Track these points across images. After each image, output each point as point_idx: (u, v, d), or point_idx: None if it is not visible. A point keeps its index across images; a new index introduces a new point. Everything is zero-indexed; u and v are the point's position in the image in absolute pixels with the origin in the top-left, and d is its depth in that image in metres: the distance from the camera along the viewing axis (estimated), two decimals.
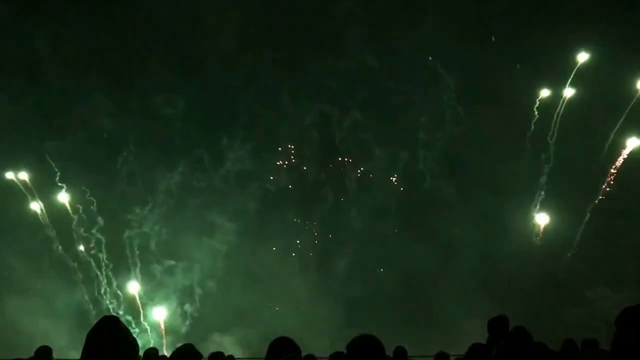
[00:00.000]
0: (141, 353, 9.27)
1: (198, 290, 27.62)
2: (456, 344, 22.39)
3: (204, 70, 28.61)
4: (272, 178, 28.95)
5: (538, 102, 27.03)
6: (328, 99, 28.76)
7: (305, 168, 29.22)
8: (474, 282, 26.22)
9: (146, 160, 27.79)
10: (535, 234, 26.85)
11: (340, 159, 29.15)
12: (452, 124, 28.00)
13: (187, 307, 27.46)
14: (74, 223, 26.95)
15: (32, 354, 9.05)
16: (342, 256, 28.03)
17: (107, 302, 26.92)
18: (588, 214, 25.90)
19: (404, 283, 26.88)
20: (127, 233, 27.34)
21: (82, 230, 26.98)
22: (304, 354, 5.45)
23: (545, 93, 27.01)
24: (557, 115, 26.68)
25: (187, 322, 27.41)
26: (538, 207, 27.07)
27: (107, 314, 26.13)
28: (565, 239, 26.44)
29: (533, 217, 27.13)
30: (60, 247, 26.59)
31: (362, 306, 26.72)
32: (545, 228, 26.71)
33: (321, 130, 29.04)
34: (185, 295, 27.61)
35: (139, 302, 27.03)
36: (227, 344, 25.82)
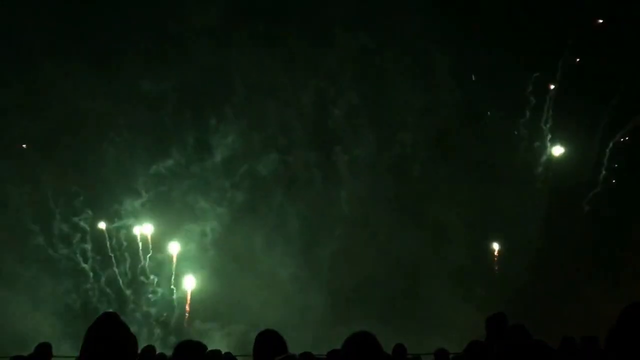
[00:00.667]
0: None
1: (188, 278, 27.46)
2: (447, 333, 22.48)
3: (191, 49, 28.03)
4: (260, 161, 28.43)
5: (532, 87, 26.61)
6: (320, 80, 28.37)
7: (294, 151, 28.74)
8: (467, 273, 26.09)
9: (132, 144, 27.36)
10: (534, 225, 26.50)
11: (331, 142, 28.65)
12: (445, 108, 27.65)
13: (177, 294, 27.22)
14: (57, 214, 26.52)
15: (17, 348, 8.97)
16: (331, 243, 27.72)
17: (94, 296, 26.57)
18: (586, 207, 25.59)
19: (394, 271, 26.72)
20: (116, 223, 27.07)
21: (65, 224, 26.58)
22: (299, 350, 5.40)
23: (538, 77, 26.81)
24: (550, 100, 26.24)
25: (176, 312, 27.16)
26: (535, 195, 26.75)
27: (92, 306, 25.93)
28: (562, 233, 26.17)
29: (529, 207, 26.77)
30: (43, 239, 26.15)
31: (350, 295, 26.63)
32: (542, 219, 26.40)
33: (313, 112, 28.68)
34: (175, 283, 27.46)
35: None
36: (211, 332, 25.79)
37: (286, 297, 26.30)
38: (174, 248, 27.19)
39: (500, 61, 25.66)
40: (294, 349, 5.14)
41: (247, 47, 27.80)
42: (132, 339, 3.54)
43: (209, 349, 8.70)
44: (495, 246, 27.05)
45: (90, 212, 26.75)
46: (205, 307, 27.04)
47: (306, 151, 28.55)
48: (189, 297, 26.95)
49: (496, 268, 26.45)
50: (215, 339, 25.14)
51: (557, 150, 26.83)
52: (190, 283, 27.09)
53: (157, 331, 26.61)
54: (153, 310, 26.95)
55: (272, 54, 27.90)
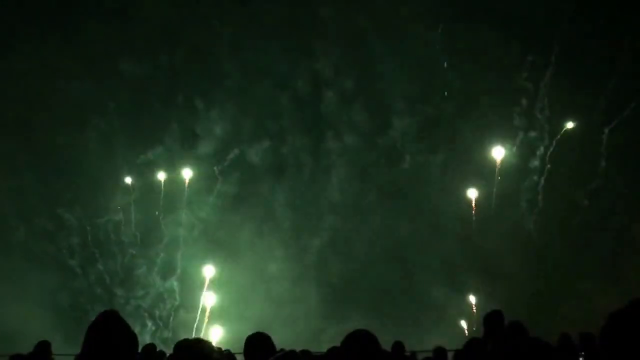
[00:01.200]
0: None
1: (178, 270, 27.27)
2: (440, 325, 22.28)
3: (183, 31, 27.32)
4: (252, 148, 27.98)
5: (527, 74, 25.90)
6: (313, 65, 27.94)
7: (286, 138, 28.37)
8: (460, 265, 25.89)
9: (118, 133, 26.89)
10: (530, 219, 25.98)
11: (322, 129, 28.30)
12: (439, 97, 27.31)
13: (169, 284, 27.01)
14: (43, 208, 26.02)
15: (5, 344, 8.90)
16: (322, 234, 27.44)
17: (84, 291, 26.27)
18: (585, 201, 25.19)
19: (387, 262, 26.51)
20: (104, 217, 26.74)
21: (51, 219, 26.13)
22: (290, 346, 5.42)
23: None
24: (545, 87, 25.68)
25: (168, 304, 26.98)
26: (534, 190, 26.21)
27: (82, 301, 25.57)
28: (560, 229, 25.69)
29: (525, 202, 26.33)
30: (29, 234, 25.74)
31: (342, 287, 26.40)
32: (538, 214, 25.93)
33: (305, 98, 28.27)
34: (167, 272, 27.20)
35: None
36: (199, 324, 25.78)
37: (278, 289, 26.23)
38: (207, 271, 26.62)
39: (495, 45, 25.19)
40: (285, 343, 5.14)
41: (238, 31, 27.38)
42: (133, 338, 3.50)
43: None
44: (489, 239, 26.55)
45: (77, 206, 26.40)
46: (196, 299, 26.81)
47: (298, 137, 28.22)
48: (208, 311, 26.61)
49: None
50: (202, 330, 25.17)
51: (570, 124, 25.73)
52: (209, 272, 26.65)
53: (149, 323, 26.33)
54: (144, 304, 26.72)
55: (266, 40, 27.54)
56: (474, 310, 25.65)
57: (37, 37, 25.57)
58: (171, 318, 26.65)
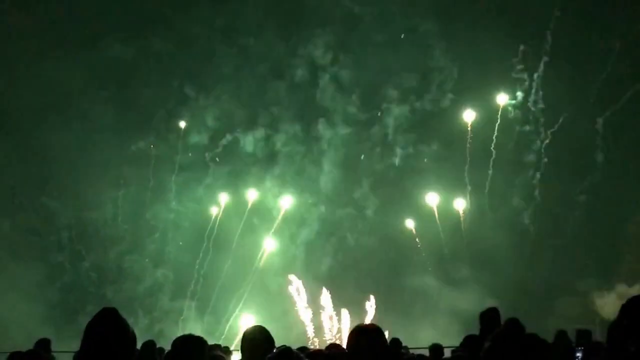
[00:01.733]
0: None
1: (170, 258, 27.04)
2: (433, 319, 22.10)
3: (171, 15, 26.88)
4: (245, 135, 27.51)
5: (521, 65, 25.44)
6: (307, 53, 27.59)
7: (279, 126, 27.95)
8: (453, 259, 25.74)
9: (108, 121, 26.16)
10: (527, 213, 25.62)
11: (316, 115, 27.89)
12: (435, 88, 26.94)
13: (160, 273, 26.78)
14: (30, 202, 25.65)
15: None
16: (313, 224, 27.22)
17: (74, 286, 25.90)
18: (582, 197, 24.83)
19: (379, 252, 26.31)
20: (94, 214, 26.41)
21: (42, 210, 25.76)
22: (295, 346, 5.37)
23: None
24: (539, 78, 25.09)
25: (160, 295, 26.77)
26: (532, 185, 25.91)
27: (72, 297, 25.27)
28: (557, 225, 25.33)
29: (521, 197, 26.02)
30: (17, 228, 25.20)
31: (330, 280, 26.03)
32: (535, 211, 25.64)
33: (299, 85, 27.90)
34: (158, 260, 26.94)
35: None
36: (186, 310, 25.67)
37: (265, 282, 26.11)
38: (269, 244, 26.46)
39: (487, 36, 24.55)
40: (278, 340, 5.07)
41: (232, 15, 27.10)
42: (131, 335, 3.52)
43: (185, 332, 8.65)
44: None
45: (65, 198, 26.02)
46: (184, 288, 26.53)
47: (291, 124, 27.81)
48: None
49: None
50: (190, 320, 25.04)
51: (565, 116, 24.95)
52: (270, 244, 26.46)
53: (141, 315, 25.92)
54: (135, 296, 26.31)
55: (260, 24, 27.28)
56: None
57: (20, 21, 24.78)
58: (163, 310, 26.36)
